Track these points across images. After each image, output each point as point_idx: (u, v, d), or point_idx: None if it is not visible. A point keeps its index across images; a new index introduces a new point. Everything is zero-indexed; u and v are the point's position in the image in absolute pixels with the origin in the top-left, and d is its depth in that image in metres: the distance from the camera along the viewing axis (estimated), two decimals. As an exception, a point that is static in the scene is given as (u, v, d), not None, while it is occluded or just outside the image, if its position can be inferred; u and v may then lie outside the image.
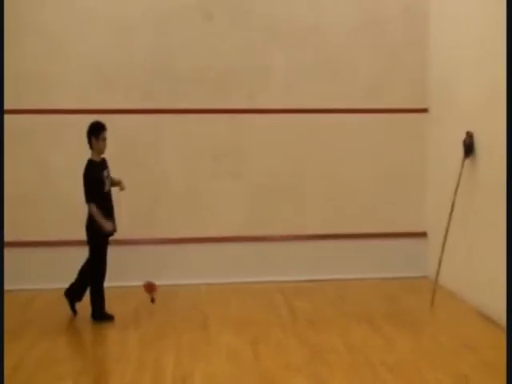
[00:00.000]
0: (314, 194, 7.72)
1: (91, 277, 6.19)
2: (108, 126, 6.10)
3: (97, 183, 6.03)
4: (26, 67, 7.19)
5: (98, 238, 6.09)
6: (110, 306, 6.26)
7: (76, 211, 6.47)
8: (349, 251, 7.69)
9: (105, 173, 6.14)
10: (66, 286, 6.34)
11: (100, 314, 6.17)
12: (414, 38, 7.67)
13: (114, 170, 6.29)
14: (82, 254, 6.16)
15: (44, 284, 7.12)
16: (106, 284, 6.21)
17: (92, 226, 6.07)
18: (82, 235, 6.09)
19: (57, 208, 7.30)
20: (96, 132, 6.04)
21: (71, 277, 6.28)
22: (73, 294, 6.32)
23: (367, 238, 7.73)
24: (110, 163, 6.28)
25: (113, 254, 6.21)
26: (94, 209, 5.99)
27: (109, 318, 6.17)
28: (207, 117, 7.48)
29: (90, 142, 6.07)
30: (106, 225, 6.02)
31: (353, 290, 7.31)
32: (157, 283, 6.32)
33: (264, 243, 7.61)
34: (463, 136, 6.59)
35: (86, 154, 6.11)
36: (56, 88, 7.28)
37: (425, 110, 7.75)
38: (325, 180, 7.73)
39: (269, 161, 7.64)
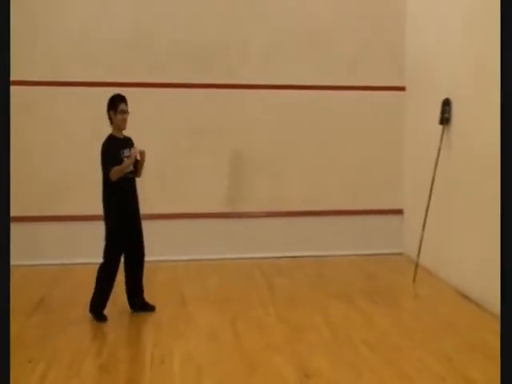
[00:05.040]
0: (292, 171, 7.71)
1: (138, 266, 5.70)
2: (84, 99, 5.88)
3: (113, 160, 5.43)
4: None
5: (114, 221, 5.55)
6: (86, 282, 5.85)
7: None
8: (326, 228, 7.71)
9: (125, 151, 5.53)
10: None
11: (95, 310, 5.57)
12: (392, 15, 7.66)
13: (93, 146, 5.91)
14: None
15: None
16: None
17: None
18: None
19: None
20: (112, 105, 5.50)
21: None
22: (136, 300, 5.77)
23: (345, 214, 7.76)
24: (91, 137, 5.82)
25: (87, 231, 5.98)
26: (114, 170, 5.38)
27: (103, 318, 5.55)
28: (186, 91, 7.36)
29: (109, 118, 5.55)
30: (127, 163, 5.46)
31: (331, 266, 7.32)
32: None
33: (243, 219, 7.58)
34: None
35: (55, 125, 5.74)
36: (33, 60, 7.11)
37: (402, 89, 7.74)
38: (303, 157, 7.71)
39: (248, 137, 7.58)
